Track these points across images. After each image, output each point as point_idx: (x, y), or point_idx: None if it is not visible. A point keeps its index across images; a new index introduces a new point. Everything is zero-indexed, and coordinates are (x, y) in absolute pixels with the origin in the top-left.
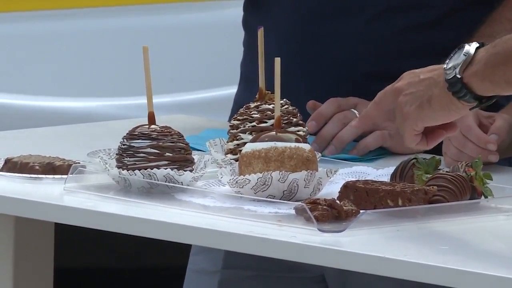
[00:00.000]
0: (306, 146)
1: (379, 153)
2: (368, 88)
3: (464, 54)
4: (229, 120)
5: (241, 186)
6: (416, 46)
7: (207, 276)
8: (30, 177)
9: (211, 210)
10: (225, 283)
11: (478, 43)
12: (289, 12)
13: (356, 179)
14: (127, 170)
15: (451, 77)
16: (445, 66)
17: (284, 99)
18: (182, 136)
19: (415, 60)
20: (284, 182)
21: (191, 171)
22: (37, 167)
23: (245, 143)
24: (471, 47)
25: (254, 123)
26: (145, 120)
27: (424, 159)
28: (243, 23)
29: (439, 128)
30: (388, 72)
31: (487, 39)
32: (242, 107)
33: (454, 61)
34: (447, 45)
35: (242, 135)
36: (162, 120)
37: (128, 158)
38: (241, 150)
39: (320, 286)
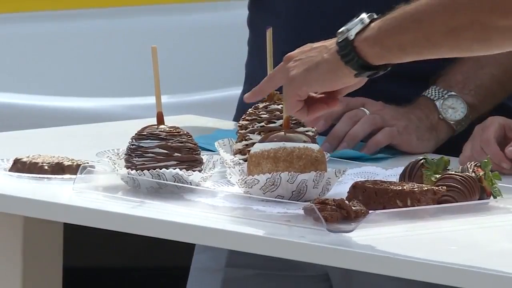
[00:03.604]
0: (315, 146)
1: (388, 153)
2: (374, 87)
3: (360, 20)
4: (235, 121)
5: (250, 186)
6: None
7: (211, 274)
8: (39, 177)
9: (220, 210)
10: (229, 281)
11: (377, 15)
12: (293, 11)
13: (365, 179)
14: (136, 170)
15: (342, 39)
16: (339, 30)
17: None
18: (191, 136)
19: None
20: (293, 183)
21: (200, 171)
22: (46, 167)
23: (253, 143)
24: (367, 15)
25: (262, 124)
26: (153, 120)
27: (433, 159)
28: (248, 23)
29: (322, 102)
30: (394, 70)
31: None
32: (246, 108)
33: (349, 25)
34: None
35: (251, 135)
36: (171, 120)
37: (136, 158)
38: (249, 150)
39: (324, 285)
